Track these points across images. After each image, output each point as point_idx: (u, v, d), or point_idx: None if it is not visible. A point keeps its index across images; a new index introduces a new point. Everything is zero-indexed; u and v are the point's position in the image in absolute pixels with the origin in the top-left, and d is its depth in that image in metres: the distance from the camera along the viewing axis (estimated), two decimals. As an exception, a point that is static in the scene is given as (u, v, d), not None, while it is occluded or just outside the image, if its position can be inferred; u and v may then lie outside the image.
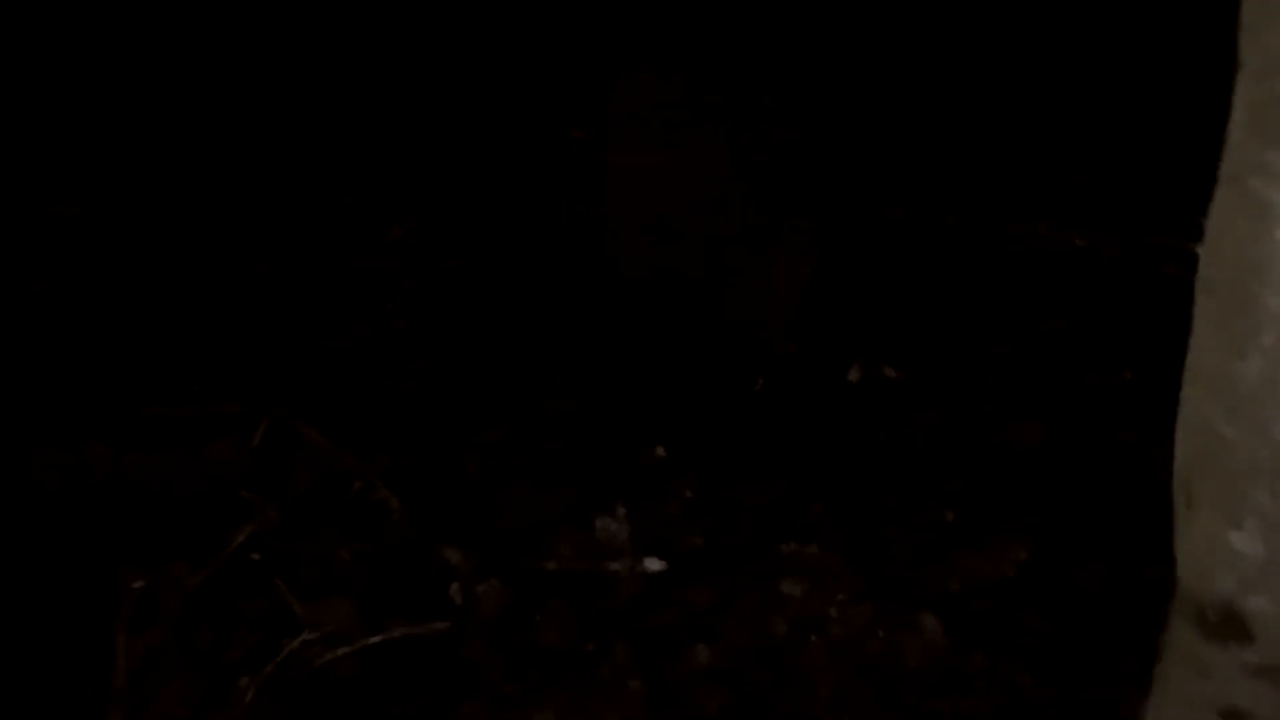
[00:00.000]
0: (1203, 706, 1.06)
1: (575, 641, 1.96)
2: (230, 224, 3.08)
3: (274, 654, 1.90)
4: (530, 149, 3.39)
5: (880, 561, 2.11)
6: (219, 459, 2.29)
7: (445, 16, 3.82)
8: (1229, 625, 1.02)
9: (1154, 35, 3.49)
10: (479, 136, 3.49)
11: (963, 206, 3.08)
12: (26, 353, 2.60)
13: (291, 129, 3.49)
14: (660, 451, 2.35)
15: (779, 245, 2.34)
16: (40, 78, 3.51)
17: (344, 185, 3.30)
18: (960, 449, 2.43)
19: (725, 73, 2.32)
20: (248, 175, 3.29)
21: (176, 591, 2.01)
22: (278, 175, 3.30)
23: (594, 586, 2.03)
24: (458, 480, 2.31)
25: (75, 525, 2.18)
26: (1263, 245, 0.95)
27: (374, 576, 2.08)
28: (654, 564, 2.03)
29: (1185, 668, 1.08)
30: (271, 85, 3.62)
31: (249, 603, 2.03)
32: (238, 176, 3.27)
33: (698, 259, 2.35)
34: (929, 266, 2.97)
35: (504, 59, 3.76)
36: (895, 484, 2.30)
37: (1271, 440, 0.97)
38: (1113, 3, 3.52)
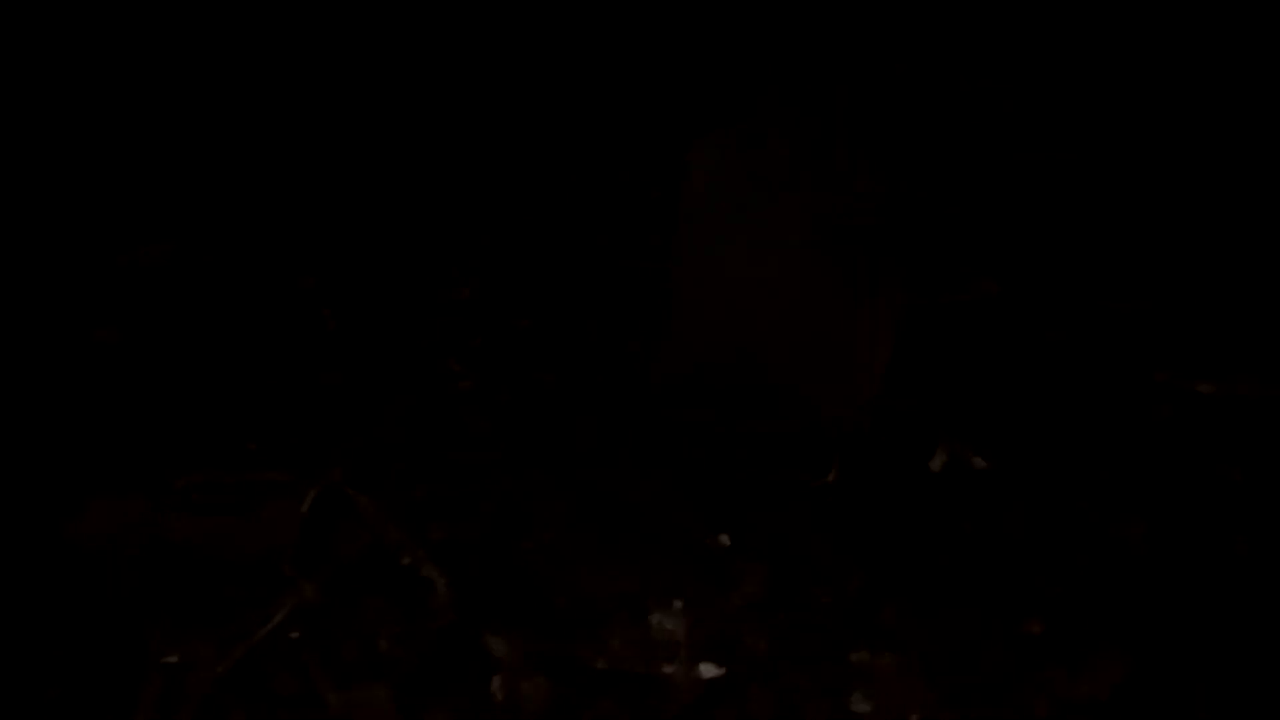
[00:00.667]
0: None
1: (623, 749, 1.82)
2: (298, 276, 3.03)
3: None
4: (609, 208, 3.29)
5: (960, 676, 1.94)
6: (266, 526, 2.20)
7: (529, 71, 3.76)
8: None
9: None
10: (557, 193, 3.41)
11: (1060, 280, 2.90)
12: (83, 402, 2.56)
13: (365, 181, 3.44)
14: (725, 539, 2.20)
15: (861, 320, 2.18)
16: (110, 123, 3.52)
17: (415, 240, 3.24)
18: (1052, 549, 2.25)
19: (806, 135, 2.19)
20: (318, 228, 3.24)
21: (208, 671, 1.91)
22: (348, 227, 3.24)
23: (646, 689, 1.89)
24: (512, 559, 2.19)
25: (113, 586, 2.10)
26: None
27: (415, 663, 1.96)
28: (710, 670, 1.88)
29: None
30: (343, 139, 3.58)
31: (282, 684, 1.93)
32: (306, 229, 3.22)
33: (773, 333, 2.21)
34: (1023, 346, 2.79)
35: (585, 115, 3.68)
36: (979, 587, 2.12)
37: None
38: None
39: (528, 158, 3.53)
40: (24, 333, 2.80)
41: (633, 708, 1.87)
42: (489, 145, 3.58)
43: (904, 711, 1.87)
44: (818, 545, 2.18)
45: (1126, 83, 3.48)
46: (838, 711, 1.86)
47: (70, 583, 2.12)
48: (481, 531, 2.24)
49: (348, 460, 2.37)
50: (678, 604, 2.01)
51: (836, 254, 2.12)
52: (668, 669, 1.91)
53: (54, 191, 3.32)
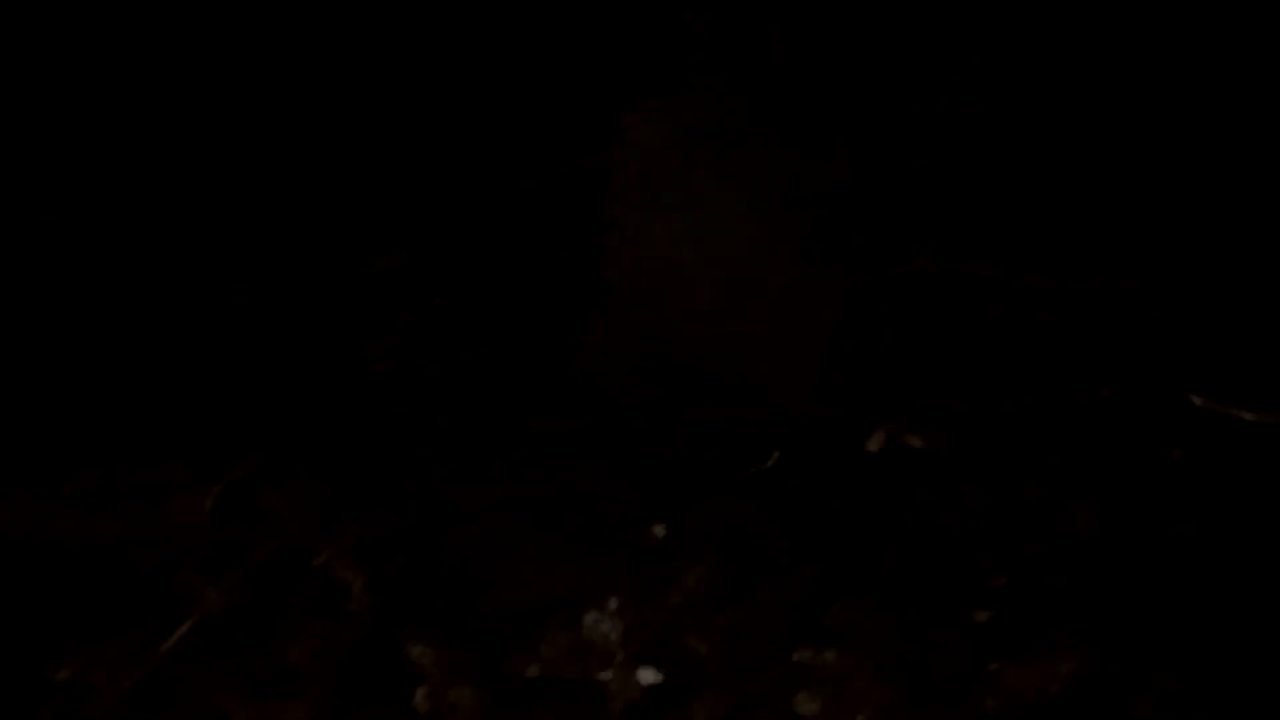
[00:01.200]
0: None
1: (557, 761, 1.71)
2: (197, 247, 2.84)
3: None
4: (535, 178, 3.14)
5: (909, 673, 1.86)
6: (166, 529, 2.04)
7: (446, 34, 3.58)
8: None
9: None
10: (479, 162, 3.25)
11: (1001, 256, 2.83)
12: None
13: (270, 141, 3.25)
14: (660, 531, 2.10)
15: (806, 299, 2.08)
16: None
17: (327, 208, 3.07)
18: (999, 536, 2.18)
19: (748, 101, 2.07)
20: (219, 194, 3.05)
21: (108, 691, 1.76)
22: (251, 192, 3.06)
23: (581, 698, 1.78)
24: (435, 557, 2.06)
25: (1, 598, 1.94)
26: None
27: (331, 675, 1.83)
28: (648, 675, 1.78)
29: None
30: (245, 101, 3.38)
31: (187, 703, 1.78)
32: (207, 196, 3.03)
33: (713, 314, 2.10)
34: (962, 323, 2.71)
35: (507, 79, 3.52)
36: (925, 578, 2.05)
37: None
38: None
39: (448, 122, 3.36)
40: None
41: (567, 718, 1.76)
42: (407, 108, 3.41)
43: (852, 712, 1.79)
44: (758, 536, 2.09)
45: (1060, 44, 3.41)
46: (783, 715, 1.77)
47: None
48: (402, 527, 2.11)
49: (254, 453, 2.22)
50: (614, 604, 1.91)
51: (782, 229, 2.00)
52: (604, 675, 1.80)
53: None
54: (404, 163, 3.31)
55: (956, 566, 2.09)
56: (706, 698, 1.78)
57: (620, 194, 2.06)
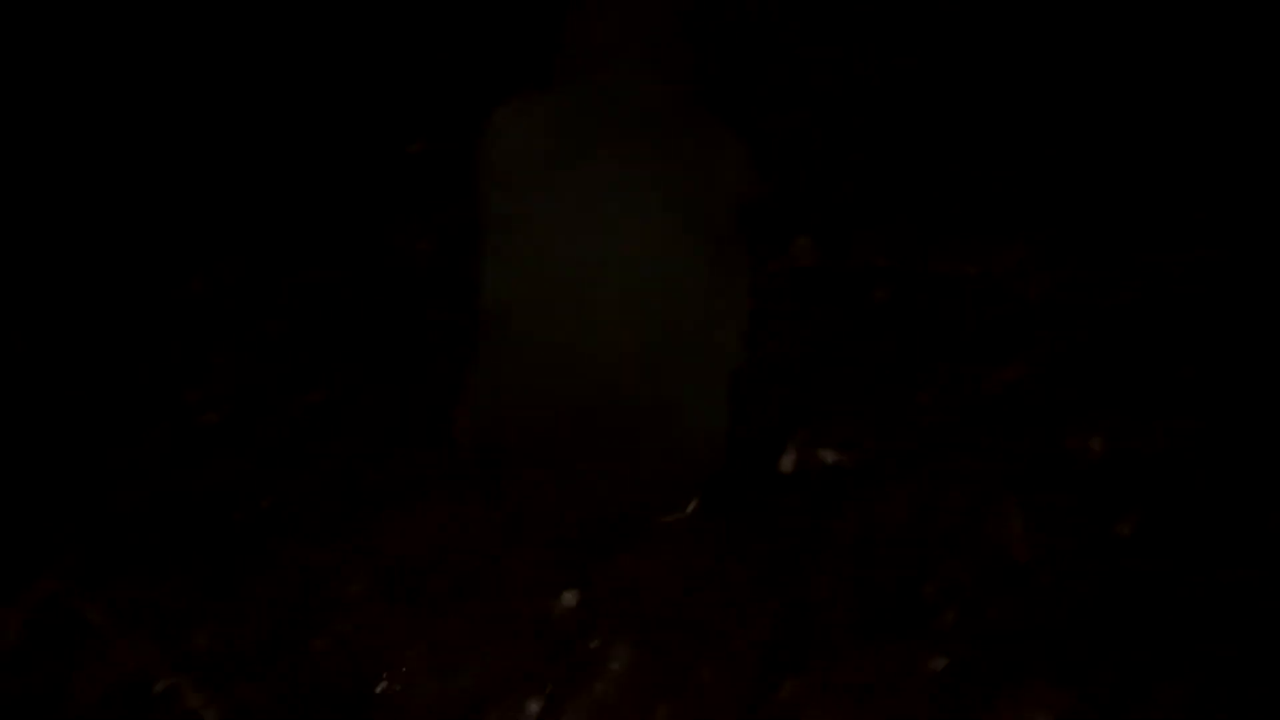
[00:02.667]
0: None
1: None
2: None
3: None
4: (391, 183, 2.77)
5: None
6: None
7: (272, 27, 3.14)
8: None
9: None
10: (317, 162, 2.85)
11: (890, 243, 2.62)
12: None
13: (65, 153, 2.77)
14: (571, 599, 1.81)
15: (709, 315, 1.79)
16: None
17: (124, 219, 2.62)
18: (935, 559, 1.98)
19: (641, 92, 1.75)
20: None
21: None
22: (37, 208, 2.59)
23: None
24: (301, 664, 1.73)
25: None
26: None
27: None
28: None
29: None
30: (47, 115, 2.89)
31: None
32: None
33: (610, 339, 1.77)
34: (853, 317, 2.50)
35: (332, 65, 3.12)
36: (871, 626, 1.82)
37: None
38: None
39: (288, 118, 2.93)
40: None
41: None
42: (239, 103, 2.96)
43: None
44: (681, 597, 1.82)
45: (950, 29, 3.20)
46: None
47: None
48: (257, 632, 1.75)
49: (64, 557, 1.82)
50: (533, 708, 1.61)
51: (680, 232, 1.70)
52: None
53: None
54: (231, 158, 2.87)
55: (900, 605, 1.88)
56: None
57: (493, 202, 1.72)
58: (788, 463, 2.16)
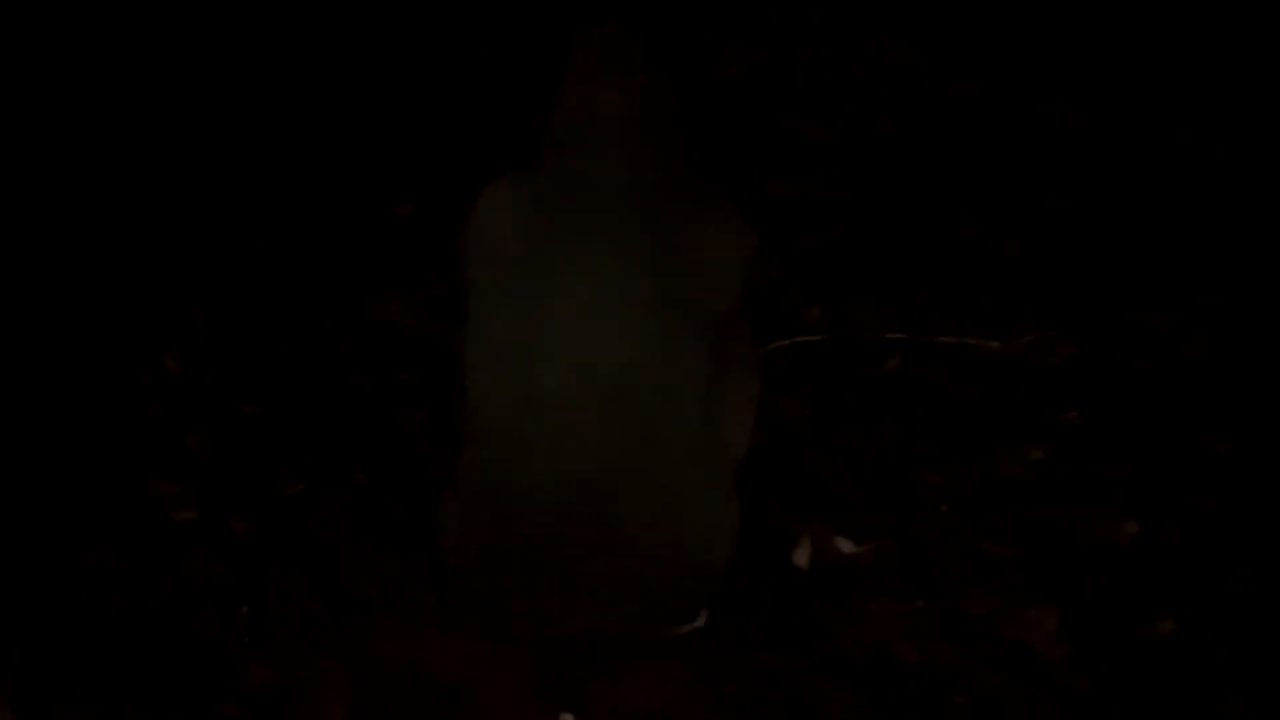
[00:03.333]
0: None
1: None
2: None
3: None
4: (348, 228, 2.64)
5: None
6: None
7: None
8: None
9: None
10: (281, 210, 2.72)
11: (901, 313, 2.49)
12: None
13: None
14: (569, 721, 1.66)
15: (723, 414, 1.65)
16: None
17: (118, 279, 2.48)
18: (961, 666, 1.83)
19: (636, 174, 1.62)
20: None
21: None
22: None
23: None
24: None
25: None
26: None
27: None
28: None
29: None
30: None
31: None
32: None
33: (608, 443, 1.62)
34: (859, 390, 2.36)
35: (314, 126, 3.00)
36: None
37: None
38: None
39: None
40: None
41: None
42: (218, 166, 2.84)
43: None
44: (685, 717, 1.67)
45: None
46: None
47: None
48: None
49: (8, 675, 1.66)
50: None
51: (683, 324, 1.56)
52: None
53: None
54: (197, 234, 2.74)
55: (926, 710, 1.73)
56: None
57: (475, 289, 1.57)
58: (802, 556, 2.02)
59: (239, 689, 1.69)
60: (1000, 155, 2.93)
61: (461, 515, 1.65)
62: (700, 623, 1.71)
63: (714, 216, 1.58)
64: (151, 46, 3.12)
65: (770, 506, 2.10)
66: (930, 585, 1.99)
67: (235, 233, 2.85)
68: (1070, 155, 2.96)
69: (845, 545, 2.05)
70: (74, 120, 2.85)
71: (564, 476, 1.56)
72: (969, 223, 2.82)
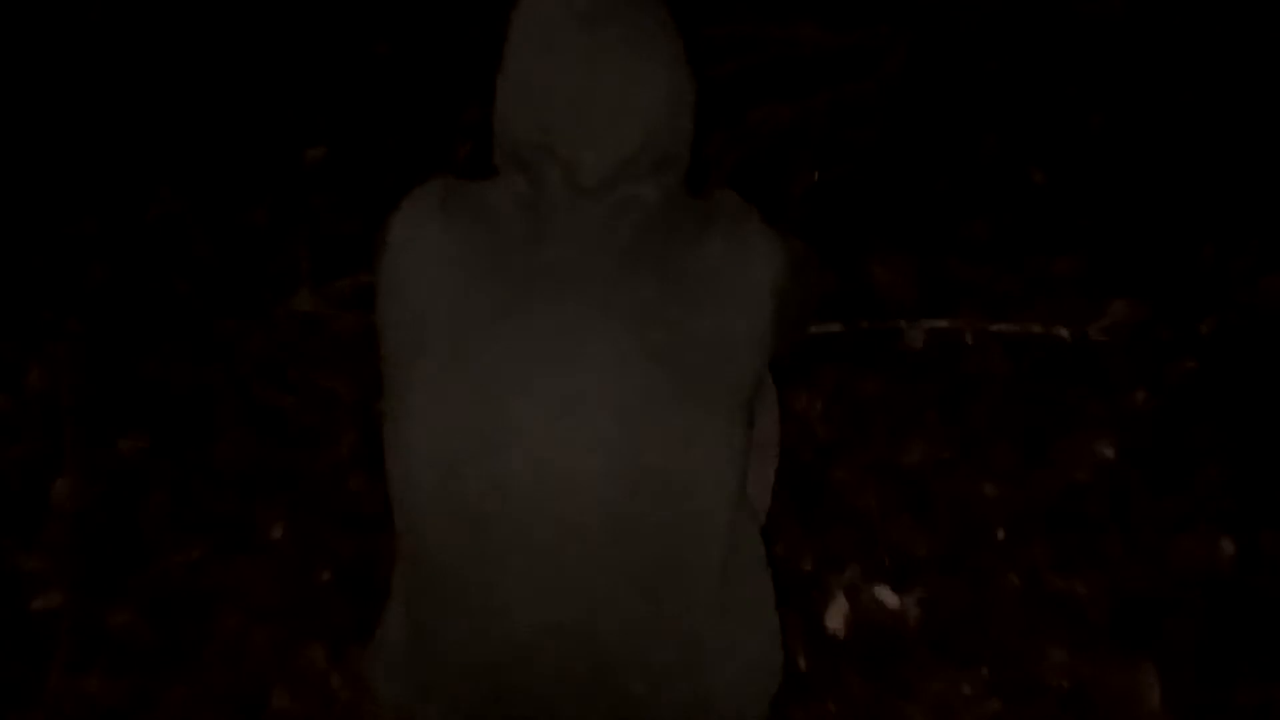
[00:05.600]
0: None
1: None
2: None
3: None
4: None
5: None
6: None
7: None
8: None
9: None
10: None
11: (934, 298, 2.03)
12: None
13: None
14: None
15: (735, 512, 1.20)
16: None
17: None
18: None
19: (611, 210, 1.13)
20: None
21: None
22: None
23: None
24: None
25: None
26: None
27: None
28: None
29: None
30: None
31: None
32: None
33: (580, 570, 1.13)
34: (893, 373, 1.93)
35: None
36: None
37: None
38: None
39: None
40: None
41: None
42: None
43: None
44: None
45: None
46: None
47: None
48: None
49: None
50: None
51: (703, 411, 1.10)
52: None
53: None
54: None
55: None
56: None
57: (394, 357, 1.08)
58: (837, 617, 1.62)
59: None
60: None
61: (404, 676, 1.20)
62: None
63: (731, 236, 1.11)
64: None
65: (792, 548, 1.70)
66: (994, 644, 1.60)
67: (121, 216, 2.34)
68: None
69: (887, 597, 1.65)
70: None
71: (543, 623, 1.10)
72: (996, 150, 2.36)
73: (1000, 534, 1.74)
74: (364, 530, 1.69)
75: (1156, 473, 1.80)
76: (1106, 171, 2.27)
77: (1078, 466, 1.83)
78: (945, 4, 2.47)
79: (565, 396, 1.06)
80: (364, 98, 2.54)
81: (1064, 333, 1.82)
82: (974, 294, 2.07)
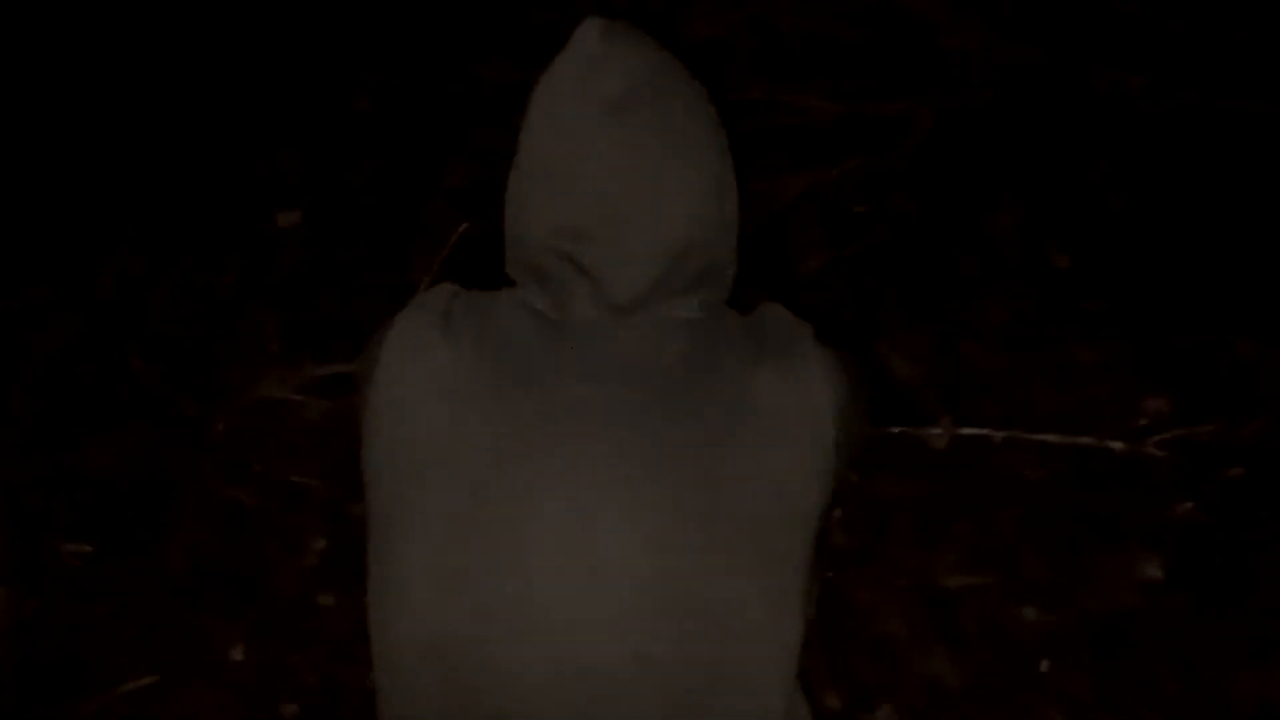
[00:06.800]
0: None
1: None
2: None
3: None
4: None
5: None
6: None
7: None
8: None
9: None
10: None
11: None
12: None
13: None
14: None
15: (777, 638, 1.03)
16: None
17: None
18: None
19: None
20: None
21: None
22: None
23: None
24: None
25: None
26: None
27: None
28: None
29: None
30: None
31: None
32: None
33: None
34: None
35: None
36: None
37: None
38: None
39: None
40: None
41: None
42: None
43: None
44: None
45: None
46: None
47: None
48: None
49: None
50: None
51: (722, 562, 0.92)
52: None
53: None
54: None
55: None
56: None
57: (380, 500, 0.92)
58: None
59: None
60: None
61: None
62: None
63: (784, 363, 0.95)
64: None
65: (817, 681, 1.52)
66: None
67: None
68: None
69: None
70: None
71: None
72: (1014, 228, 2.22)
73: (1045, 665, 1.58)
74: (333, 657, 1.50)
75: (1210, 594, 1.65)
76: (1130, 257, 2.14)
77: (1122, 587, 1.67)
78: (961, 80, 2.35)
79: (593, 567, 0.89)
80: (342, 156, 2.37)
81: (1118, 445, 1.66)
82: (995, 386, 1.92)
